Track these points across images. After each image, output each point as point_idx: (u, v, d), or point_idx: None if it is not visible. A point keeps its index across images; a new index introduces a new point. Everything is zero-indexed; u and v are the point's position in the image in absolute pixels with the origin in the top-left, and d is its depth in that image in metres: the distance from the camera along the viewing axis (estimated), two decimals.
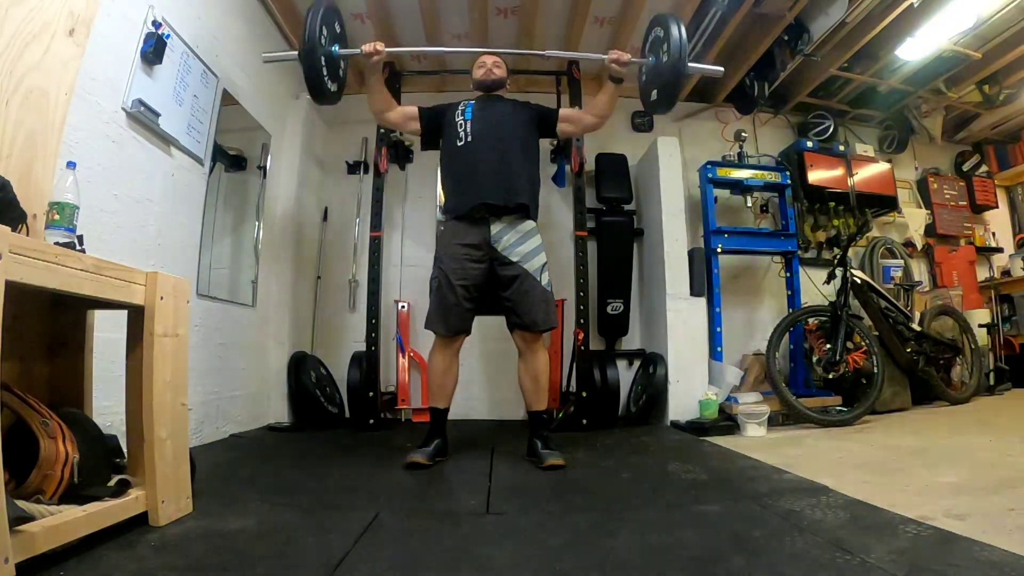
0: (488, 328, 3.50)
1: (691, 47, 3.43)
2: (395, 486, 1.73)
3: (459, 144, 2.17)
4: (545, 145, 3.63)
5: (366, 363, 3.04)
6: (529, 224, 2.16)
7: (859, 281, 3.13)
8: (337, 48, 2.13)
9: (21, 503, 0.96)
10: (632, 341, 3.67)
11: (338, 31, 2.15)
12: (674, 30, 2.00)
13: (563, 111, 2.36)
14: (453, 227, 2.15)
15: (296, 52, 2.00)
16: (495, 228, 2.09)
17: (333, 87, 2.17)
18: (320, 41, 2.02)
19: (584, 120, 2.29)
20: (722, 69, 2.32)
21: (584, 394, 2.97)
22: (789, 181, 3.61)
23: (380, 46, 2.06)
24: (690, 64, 2.04)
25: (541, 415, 2.13)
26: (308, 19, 2.00)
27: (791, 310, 3.38)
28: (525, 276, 2.07)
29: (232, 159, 2.81)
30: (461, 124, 2.19)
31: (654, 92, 2.19)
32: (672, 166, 3.44)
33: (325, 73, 2.09)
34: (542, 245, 2.16)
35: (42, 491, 1.06)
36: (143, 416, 1.26)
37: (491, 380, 3.52)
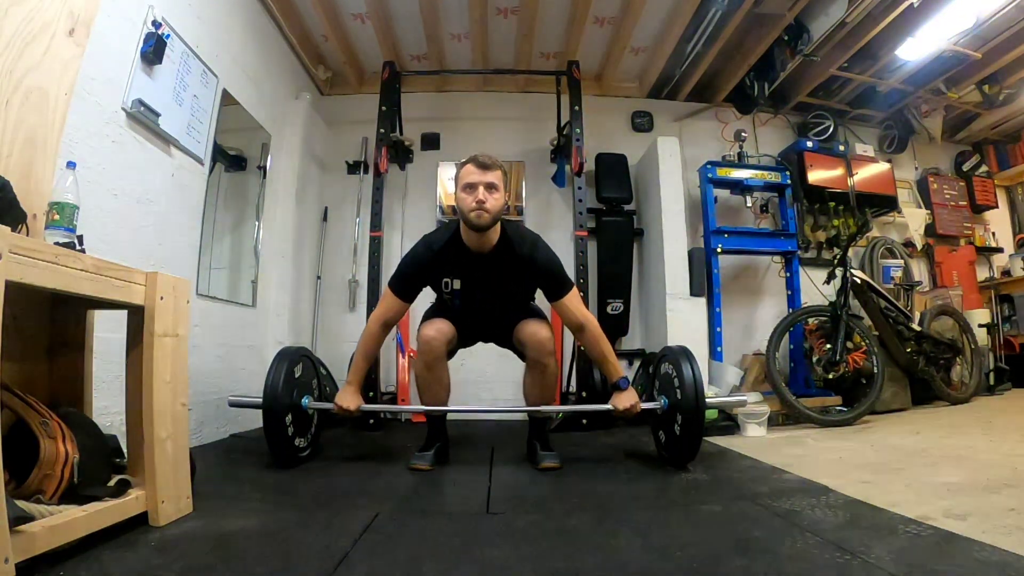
0: None
1: (691, 47, 3.45)
2: (395, 486, 1.73)
3: (452, 315, 2.04)
4: (545, 144, 3.66)
5: None
6: None
7: (859, 281, 3.13)
8: (307, 401, 1.98)
9: (21, 503, 0.96)
10: (632, 341, 3.67)
11: (301, 375, 1.99)
12: (687, 370, 1.84)
13: (564, 306, 1.92)
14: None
15: (259, 399, 1.85)
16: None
17: (303, 442, 2.00)
18: (286, 410, 1.86)
19: (572, 330, 2.00)
20: (746, 399, 2.19)
21: (584, 394, 2.97)
22: (789, 181, 3.61)
23: (354, 406, 1.88)
24: (710, 401, 1.90)
25: (543, 422, 2.11)
26: (269, 380, 1.85)
27: (791, 310, 3.38)
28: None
29: (232, 159, 2.81)
30: (449, 300, 1.99)
31: (662, 434, 2.02)
32: (672, 166, 3.44)
33: (297, 437, 1.93)
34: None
35: (42, 491, 1.06)
36: (143, 416, 1.26)
37: (491, 380, 3.51)
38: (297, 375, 1.98)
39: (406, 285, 1.94)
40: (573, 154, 3.18)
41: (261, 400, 1.85)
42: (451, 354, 2.07)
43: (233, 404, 2.02)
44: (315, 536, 1.22)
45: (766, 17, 3.22)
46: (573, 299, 1.93)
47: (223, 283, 2.72)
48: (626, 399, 1.90)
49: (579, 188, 3.16)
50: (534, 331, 1.93)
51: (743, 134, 3.70)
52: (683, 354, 1.93)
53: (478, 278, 1.92)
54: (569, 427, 2.90)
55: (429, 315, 2.11)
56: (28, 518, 0.95)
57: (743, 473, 1.88)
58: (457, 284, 1.94)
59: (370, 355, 1.99)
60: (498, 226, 1.89)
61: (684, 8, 3.13)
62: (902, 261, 4.04)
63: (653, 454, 2.23)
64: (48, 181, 1.31)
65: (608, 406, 1.93)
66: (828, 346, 3.02)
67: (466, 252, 1.87)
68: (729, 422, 2.80)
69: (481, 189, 1.77)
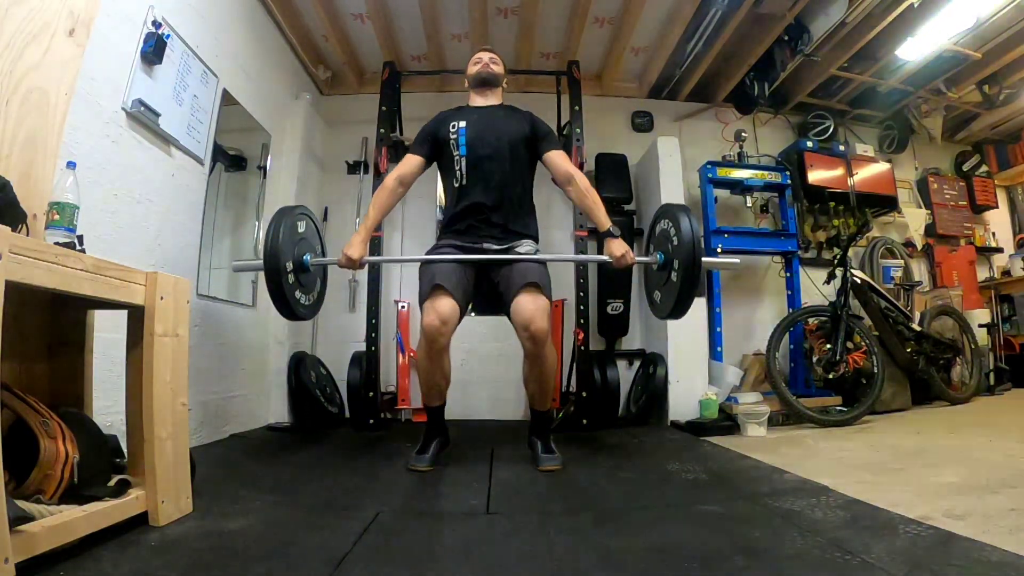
0: (488, 328, 3.51)
1: (691, 47, 3.44)
2: (395, 486, 1.73)
3: (456, 185, 2.08)
4: None
5: (366, 363, 3.03)
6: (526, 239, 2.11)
7: (859, 281, 3.13)
8: (309, 258, 2.00)
9: (21, 503, 0.96)
10: (632, 341, 3.67)
11: (304, 232, 2.02)
12: (684, 225, 1.83)
13: (555, 157, 2.10)
14: (447, 235, 2.12)
15: (261, 261, 1.87)
16: (486, 244, 2.06)
17: (308, 300, 2.02)
18: (287, 259, 1.88)
19: (561, 183, 2.11)
20: (738, 260, 2.23)
21: (584, 394, 2.97)
22: (789, 181, 3.61)
23: (357, 255, 1.95)
24: (705, 259, 1.89)
25: (544, 415, 2.09)
26: (269, 235, 1.85)
27: (791, 310, 3.38)
28: (516, 253, 2.03)
29: (232, 159, 2.81)
30: (457, 159, 2.06)
31: (658, 294, 2.02)
32: (672, 166, 3.44)
33: (298, 290, 1.95)
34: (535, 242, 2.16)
35: (42, 491, 1.06)
36: (143, 416, 1.26)
37: (491, 380, 3.51)
38: (300, 231, 1.99)
39: (423, 138, 2.16)
40: (573, 154, 3.18)
41: (263, 262, 1.85)
42: (462, 313, 1.96)
43: (237, 269, 2.07)
44: (315, 536, 1.22)
45: (766, 17, 3.22)
46: (564, 155, 2.16)
47: (223, 283, 2.72)
48: (619, 246, 1.96)
49: None
50: (525, 304, 1.86)
51: (743, 134, 3.70)
52: (680, 208, 1.93)
53: (483, 119, 2.12)
54: (569, 427, 2.90)
55: (430, 264, 1.99)
56: (28, 518, 0.95)
57: (743, 473, 1.88)
58: (463, 124, 2.09)
59: (382, 207, 2.10)
60: (501, 96, 2.24)
61: (684, 8, 3.13)
62: (902, 261, 4.03)
63: (652, 454, 2.24)
64: (48, 181, 1.30)
65: (605, 256, 1.99)
66: (828, 346, 3.02)
67: (471, 109, 2.18)
68: (729, 422, 2.80)
69: (486, 58, 2.20)
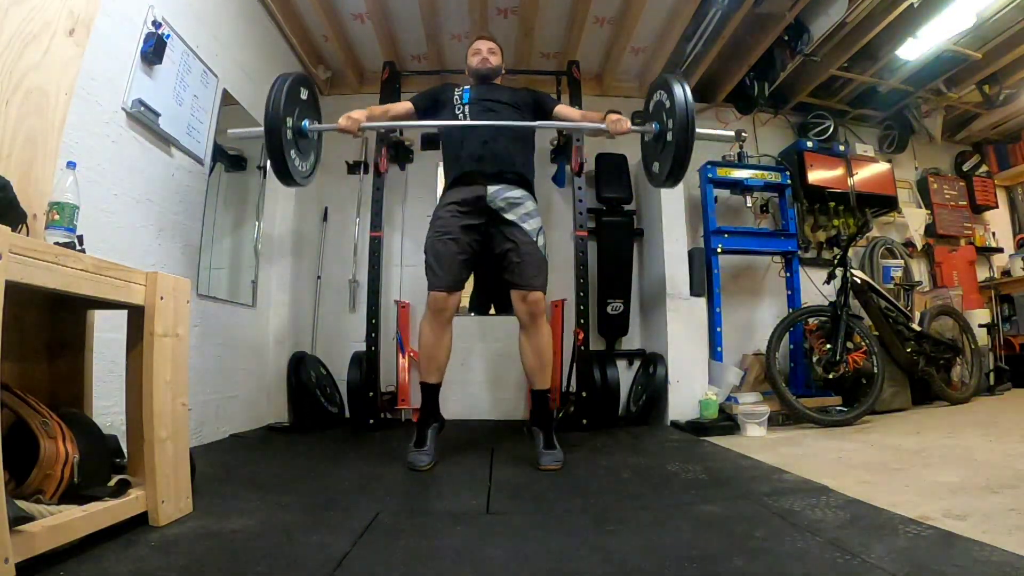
0: (488, 328, 3.52)
1: (691, 47, 3.45)
2: (395, 486, 1.73)
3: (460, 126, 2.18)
4: (545, 145, 3.65)
5: (366, 363, 3.03)
6: (526, 192, 2.15)
7: (859, 281, 3.13)
8: (308, 123, 2.05)
9: (21, 503, 0.96)
10: (632, 341, 3.67)
11: (306, 98, 2.06)
12: (678, 91, 1.89)
13: (561, 108, 2.31)
14: (448, 194, 2.14)
15: (261, 129, 1.91)
16: (491, 188, 2.08)
17: (304, 167, 2.07)
18: (287, 115, 1.91)
19: (578, 124, 2.28)
20: (732, 133, 2.29)
21: (584, 394, 2.96)
22: (789, 181, 3.61)
23: (357, 115, 2.06)
24: (699, 130, 1.94)
25: (546, 395, 2.09)
26: (272, 92, 1.89)
27: (791, 310, 3.38)
28: (521, 234, 2.06)
29: (232, 159, 2.81)
30: (459, 107, 2.19)
31: (656, 164, 2.07)
32: None
33: (294, 151, 1.98)
34: (538, 211, 2.16)
35: (42, 491, 1.06)
36: (143, 416, 1.26)
37: (491, 380, 3.51)
38: (303, 97, 2.04)
39: (424, 94, 2.31)
40: (573, 154, 3.18)
41: (262, 126, 1.88)
42: (464, 283, 2.13)
43: (234, 135, 2.11)
44: (315, 536, 1.22)
45: (766, 17, 3.22)
46: (566, 106, 2.37)
47: (223, 283, 2.72)
48: (614, 115, 2.09)
49: (579, 188, 3.15)
50: (520, 267, 2.04)
51: (743, 134, 3.69)
52: (675, 79, 1.97)
53: (484, 95, 2.23)
54: (569, 427, 2.90)
55: (429, 257, 2.07)
56: (28, 518, 0.95)
57: (743, 473, 1.88)
58: (467, 86, 2.26)
59: (374, 118, 2.21)
60: (500, 80, 2.36)
61: (684, 8, 3.13)
62: (902, 261, 4.03)
63: (653, 454, 2.23)
64: (48, 181, 1.31)
65: (601, 124, 2.09)
66: (828, 346, 3.02)
67: (474, 83, 2.31)
68: (729, 422, 2.80)
69: (485, 50, 2.30)
